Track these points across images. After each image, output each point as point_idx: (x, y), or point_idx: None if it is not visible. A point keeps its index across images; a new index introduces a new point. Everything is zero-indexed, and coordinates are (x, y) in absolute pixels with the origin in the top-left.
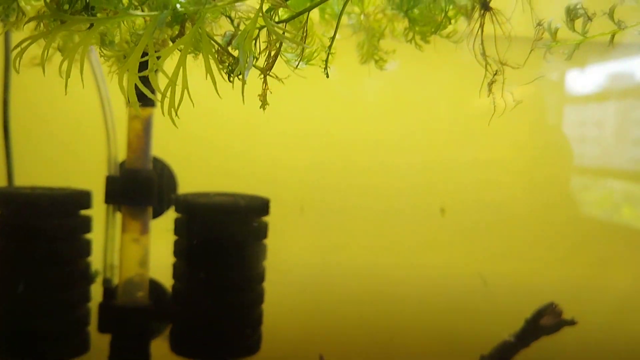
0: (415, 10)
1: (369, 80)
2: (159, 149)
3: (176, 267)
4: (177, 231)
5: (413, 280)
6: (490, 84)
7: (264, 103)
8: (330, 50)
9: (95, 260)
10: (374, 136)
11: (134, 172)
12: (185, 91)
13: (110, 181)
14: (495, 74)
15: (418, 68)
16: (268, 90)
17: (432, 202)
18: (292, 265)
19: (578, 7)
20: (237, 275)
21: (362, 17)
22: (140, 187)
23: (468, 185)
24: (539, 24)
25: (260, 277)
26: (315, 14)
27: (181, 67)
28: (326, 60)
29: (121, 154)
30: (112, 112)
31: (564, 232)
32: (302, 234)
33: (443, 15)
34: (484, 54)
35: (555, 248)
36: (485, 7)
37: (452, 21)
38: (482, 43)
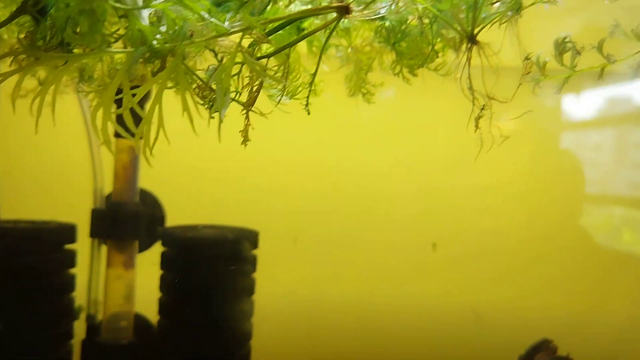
0: (403, 44)
1: (363, 110)
2: (147, 180)
3: (162, 303)
4: (163, 265)
5: (407, 311)
6: (478, 118)
7: (245, 139)
8: (311, 87)
9: (79, 295)
10: (368, 166)
11: (120, 205)
12: (164, 127)
13: (96, 214)
14: (483, 108)
15: (412, 96)
16: (250, 126)
17: (427, 231)
18: (285, 298)
19: (567, 40)
20: (224, 311)
21: (349, 50)
22: (126, 220)
23: (464, 213)
24: (527, 58)
25: (249, 313)
26: (303, 46)
27: (157, 105)
28: (307, 97)
29: (108, 187)
30: (98, 143)
31: (563, 259)
32: (296, 266)
33: (430, 48)
34: (471, 88)
35: (553, 276)
36: (472, 40)
37: (440, 54)
38: (469, 77)
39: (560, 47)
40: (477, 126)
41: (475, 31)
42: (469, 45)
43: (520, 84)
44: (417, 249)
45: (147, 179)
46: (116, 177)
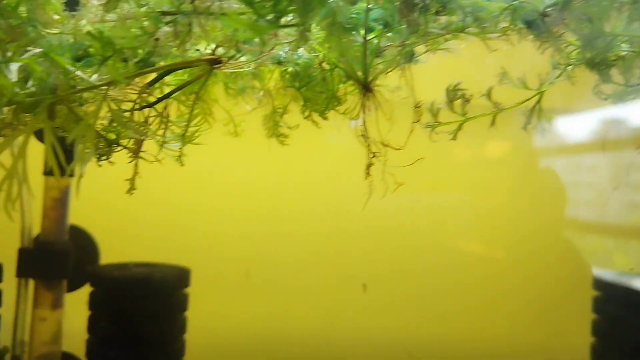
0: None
1: (315, 142)
2: (84, 217)
3: (89, 343)
4: (91, 305)
5: (363, 345)
6: (369, 165)
7: (131, 188)
8: (185, 139)
9: (5, 336)
10: (323, 198)
11: (48, 244)
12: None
13: (23, 253)
14: (374, 156)
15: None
16: (138, 175)
17: (384, 263)
18: (235, 332)
19: (457, 88)
20: (152, 352)
21: (261, 93)
22: (54, 259)
23: (410, 247)
24: (417, 106)
25: (179, 353)
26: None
27: (20, 157)
28: (181, 148)
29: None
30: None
31: (514, 293)
32: (248, 299)
33: (329, 94)
34: (365, 135)
35: (500, 311)
36: (366, 88)
37: (342, 100)
38: (364, 124)
39: (451, 94)
40: (368, 173)
41: (370, 79)
42: (363, 92)
43: (411, 132)
44: (376, 279)
45: (86, 216)
46: (45, 216)
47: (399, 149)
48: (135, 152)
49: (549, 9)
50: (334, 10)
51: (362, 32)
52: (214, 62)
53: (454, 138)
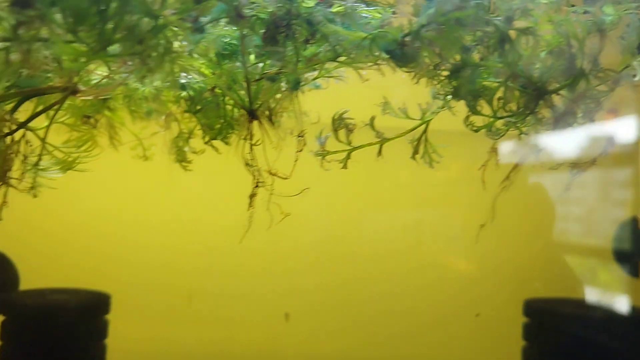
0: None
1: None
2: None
3: None
4: (2, 335)
5: None
6: (252, 195)
7: None
8: (38, 166)
9: None
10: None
11: None
12: None
13: None
14: (257, 185)
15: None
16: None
17: (331, 289)
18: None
19: (344, 116)
20: None
21: (163, 117)
22: None
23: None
24: (300, 135)
25: None
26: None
27: None
28: (34, 181)
29: None
30: None
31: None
32: (191, 324)
33: (221, 122)
34: (251, 164)
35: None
36: (252, 115)
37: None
38: (251, 150)
39: (336, 123)
40: (251, 205)
41: (257, 105)
42: (250, 119)
43: (296, 160)
44: (322, 307)
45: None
46: None
47: (285, 178)
48: (1, 180)
49: (406, 38)
50: (168, 38)
51: (241, 58)
52: (67, 89)
53: (345, 167)
